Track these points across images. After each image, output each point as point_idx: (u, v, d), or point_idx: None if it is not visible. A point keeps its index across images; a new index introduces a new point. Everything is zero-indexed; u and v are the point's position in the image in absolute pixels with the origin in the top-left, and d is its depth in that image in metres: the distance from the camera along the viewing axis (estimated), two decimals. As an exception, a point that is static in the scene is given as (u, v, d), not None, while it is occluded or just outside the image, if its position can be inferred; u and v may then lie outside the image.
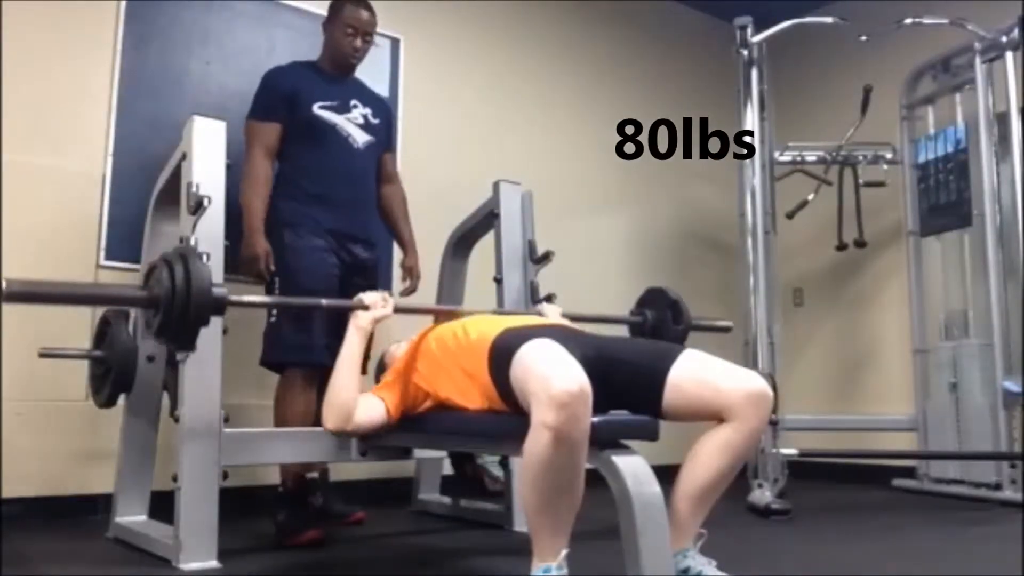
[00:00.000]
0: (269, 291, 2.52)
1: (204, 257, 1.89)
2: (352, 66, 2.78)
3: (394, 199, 2.91)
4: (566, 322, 2.31)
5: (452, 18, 3.91)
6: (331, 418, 1.89)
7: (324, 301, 2.14)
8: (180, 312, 1.76)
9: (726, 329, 2.97)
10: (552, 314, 2.39)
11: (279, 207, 2.57)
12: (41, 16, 2.87)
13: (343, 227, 2.63)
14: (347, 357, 1.94)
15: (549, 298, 2.76)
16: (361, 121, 2.72)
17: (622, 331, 2.81)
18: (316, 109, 2.62)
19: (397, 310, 2.09)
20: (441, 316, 2.71)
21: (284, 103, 2.61)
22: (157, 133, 2.97)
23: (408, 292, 2.87)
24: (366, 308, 2.02)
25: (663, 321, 2.65)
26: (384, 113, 2.86)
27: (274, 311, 2.50)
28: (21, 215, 2.76)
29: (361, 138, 2.70)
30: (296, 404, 2.47)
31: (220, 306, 1.86)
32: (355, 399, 1.90)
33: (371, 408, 1.92)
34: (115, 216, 2.94)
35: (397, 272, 3.01)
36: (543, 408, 1.43)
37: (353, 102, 2.72)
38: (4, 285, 1.59)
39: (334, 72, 2.74)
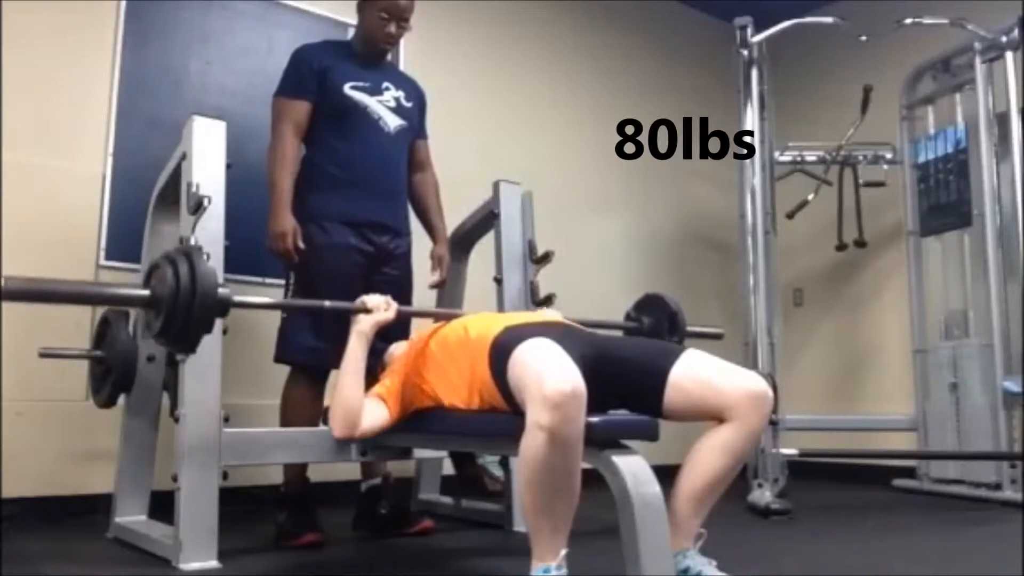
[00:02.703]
0: (286, 282, 2.50)
1: (206, 257, 1.85)
2: (384, 52, 2.68)
3: (426, 187, 2.78)
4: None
5: (452, 18, 3.91)
6: (338, 426, 1.88)
7: (327, 304, 2.08)
8: (183, 314, 1.69)
9: (717, 336, 2.95)
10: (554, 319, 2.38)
11: (305, 198, 2.48)
12: (41, 16, 2.87)
13: (371, 215, 2.53)
14: (350, 363, 1.91)
15: (549, 299, 2.76)
16: (393, 104, 2.61)
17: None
18: (347, 89, 2.53)
19: (400, 314, 2.07)
20: (443, 319, 2.71)
21: (315, 80, 2.51)
22: (157, 133, 2.97)
23: (437, 284, 2.76)
24: (368, 311, 1.99)
25: (659, 330, 2.61)
26: (417, 98, 2.75)
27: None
28: (21, 215, 2.76)
29: (393, 122, 2.60)
30: (302, 404, 2.46)
31: (224, 308, 1.82)
32: (361, 406, 1.88)
33: (375, 412, 1.92)
34: (115, 216, 2.94)
35: (421, 264, 2.85)
36: (537, 408, 1.43)
37: (385, 84, 2.62)
38: (3, 283, 1.57)
39: (366, 54, 2.64)
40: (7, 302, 1.64)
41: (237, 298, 1.88)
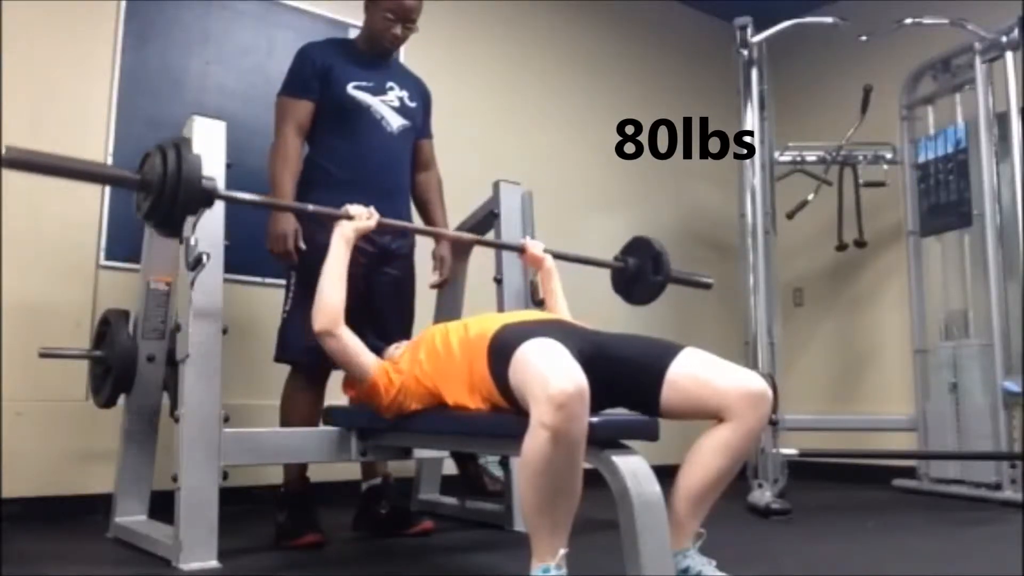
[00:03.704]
0: (287, 282, 2.50)
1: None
2: (389, 52, 2.66)
3: (429, 186, 2.77)
4: (555, 274, 2.40)
5: (452, 18, 3.91)
6: (319, 319, 1.97)
7: (311, 207, 2.19)
8: (170, 197, 1.84)
9: (707, 285, 2.96)
10: (535, 249, 2.44)
11: (307, 198, 2.44)
12: (41, 16, 2.87)
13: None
14: (333, 264, 2.03)
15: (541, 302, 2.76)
16: (396, 104, 2.60)
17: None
18: (350, 89, 2.52)
19: (380, 225, 2.16)
20: (444, 289, 2.75)
21: (318, 80, 2.51)
22: (157, 133, 2.94)
23: (439, 284, 2.75)
24: (351, 218, 2.09)
25: (644, 270, 2.68)
26: (422, 97, 2.73)
27: (286, 309, 2.48)
28: (21, 215, 2.76)
29: (395, 122, 2.59)
30: (302, 404, 2.46)
31: (208, 197, 1.94)
32: (341, 303, 1.99)
33: (362, 348, 2.00)
34: (115, 216, 2.94)
35: (423, 264, 2.84)
36: (541, 408, 1.43)
37: (389, 84, 2.61)
38: (4, 151, 1.65)
39: (371, 54, 2.62)
40: (6, 170, 1.73)
41: (223, 191, 2.01)
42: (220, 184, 2.06)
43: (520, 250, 2.51)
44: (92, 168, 2.26)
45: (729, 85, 3.86)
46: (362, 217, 2.11)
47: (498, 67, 4.12)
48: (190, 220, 2.11)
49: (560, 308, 2.35)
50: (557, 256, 2.48)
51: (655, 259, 2.67)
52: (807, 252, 4.66)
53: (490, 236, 2.88)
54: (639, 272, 2.69)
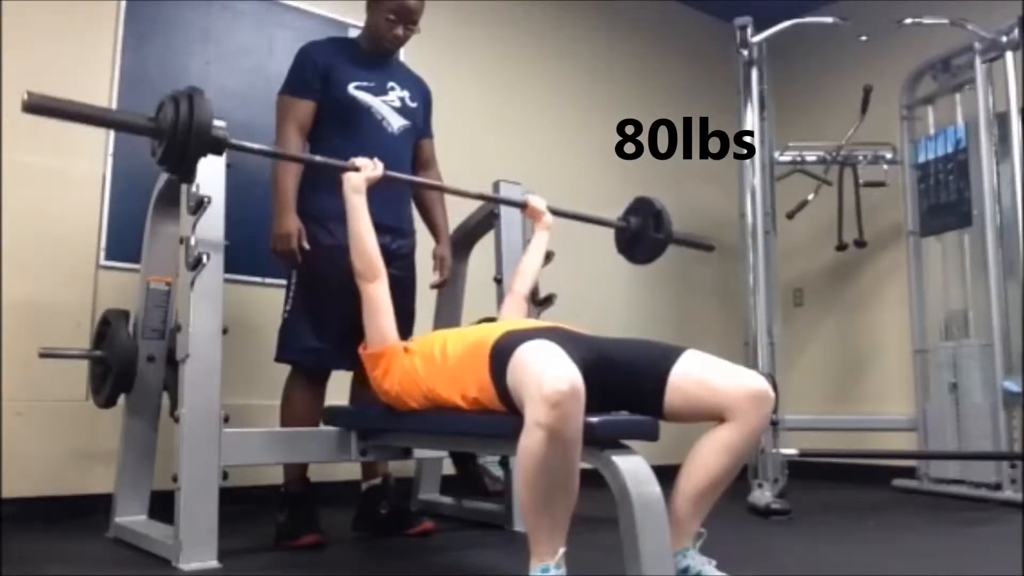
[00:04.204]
0: (287, 282, 2.50)
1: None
2: (390, 52, 2.66)
3: None
4: (546, 234, 2.42)
5: (451, 18, 3.91)
6: (360, 260, 2.10)
7: (318, 158, 2.27)
8: (181, 144, 1.90)
9: (709, 247, 2.97)
10: (539, 204, 2.47)
11: (308, 198, 2.47)
12: (41, 16, 2.87)
13: (373, 216, 2.47)
14: (357, 214, 2.13)
15: (549, 299, 2.76)
16: (397, 104, 2.60)
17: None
18: (351, 89, 2.52)
19: (386, 176, 2.23)
20: (444, 288, 2.77)
21: (319, 79, 2.51)
22: (157, 133, 2.96)
23: (439, 284, 2.75)
24: (357, 170, 2.17)
25: (645, 228, 2.69)
26: (423, 96, 2.73)
27: (287, 309, 2.48)
28: (21, 215, 2.76)
29: (396, 122, 2.59)
30: (302, 404, 2.46)
31: (219, 144, 2.01)
32: (376, 248, 2.11)
33: (391, 313, 2.08)
34: (115, 216, 2.94)
35: (424, 264, 2.83)
36: (536, 407, 1.43)
37: (390, 84, 2.61)
38: (26, 96, 1.76)
39: (372, 54, 2.62)
40: (26, 113, 1.82)
41: (233, 140, 2.07)
42: (220, 185, 2.07)
43: (523, 206, 2.53)
44: (107, 114, 2.33)
45: (729, 85, 3.86)
46: (368, 168, 2.19)
47: (498, 67, 4.12)
48: (189, 219, 2.11)
49: (529, 267, 2.37)
50: (557, 213, 2.50)
51: (656, 217, 2.68)
52: (807, 252, 4.66)
53: (490, 236, 2.88)
54: (641, 230, 2.70)
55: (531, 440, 1.44)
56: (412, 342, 2.09)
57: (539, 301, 2.74)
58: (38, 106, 1.80)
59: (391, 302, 2.08)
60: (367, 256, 2.10)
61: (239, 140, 2.10)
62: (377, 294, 2.08)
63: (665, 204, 2.68)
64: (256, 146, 2.16)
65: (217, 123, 1.97)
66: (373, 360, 2.04)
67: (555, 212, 2.49)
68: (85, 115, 1.96)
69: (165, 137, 1.92)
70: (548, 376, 1.44)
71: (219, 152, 2.06)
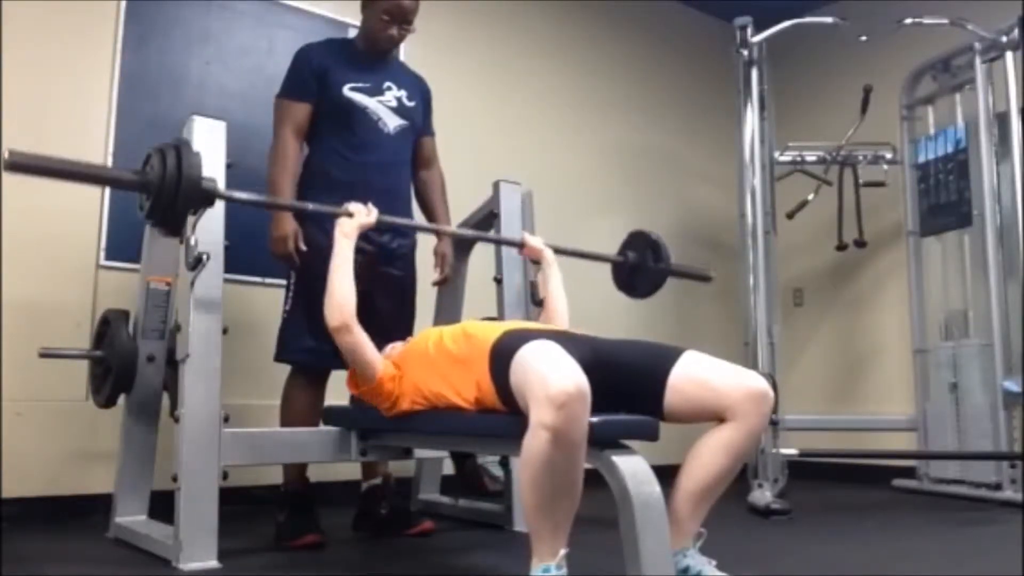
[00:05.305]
0: (287, 282, 2.50)
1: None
2: (386, 52, 2.66)
3: (431, 184, 2.77)
4: (554, 267, 2.40)
5: (451, 18, 3.91)
6: (335, 314, 1.97)
7: (311, 205, 2.22)
8: (169, 198, 1.86)
9: (707, 278, 2.96)
10: (536, 243, 2.44)
11: (305, 199, 2.44)
12: (41, 16, 2.87)
13: None
14: (341, 262, 2.04)
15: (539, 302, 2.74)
16: (394, 104, 2.60)
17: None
18: (347, 91, 2.52)
19: (380, 222, 2.18)
20: (444, 288, 2.73)
21: (316, 81, 2.51)
22: (157, 133, 2.94)
23: (440, 281, 2.74)
24: (351, 215, 2.12)
25: (644, 260, 2.68)
26: (421, 95, 2.72)
27: (286, 309, 2.48)
28: (21, 215, 2.76)
29: (393, 122, 2.58)
30: (302, 404, 2.46)
31: (209, 197, 1.96)
32: (353, 298, 2.00)
33: (375, 348, 2.01)
34: (115, 216, 2.94)
35: (425, 260, 2.82)
36: (541, 408, 1.43)
37: (387, 84, 2.60)
38: (7, 155, 1.66)
39: (368, 54, 2.62)
40: (7, 173, 1.74)
41: (223, 191, 2.02)
42: (220, 184, 2.07)
43: (520, 245, 2.50)
44: (94, 170, 2.27)
45: (729, 85, 3.86)
46: (361, 214, 2.13)
47: (498, 67, 4.12)
48: (190, 220, 2.11)
49: (559, 308, 2.34)
50: (556, 251, 2.48)
51: (654, 248, 2.68)
52: (807, 252, 4.66)
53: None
54: (639, 263, 2.69)
55: (536, 441, 1.43)
56: (395, 352, 2.09)
57: (538, 301, 2.74)
58: (21, 164, 1.72)
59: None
60: (345, 308, 1.97)
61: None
62: (355, 339, 1.97)
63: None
64: (246, 196, 2.10)
65: (206, 175, 1.93)
66: (374, 398, 2.01)
67: (552, 250, 2.47)
68: (69, 172, 1.88)
69: (153, 192, 1.87)
70: (553, 377, 1.44)
71: (209, 204, 2.00)
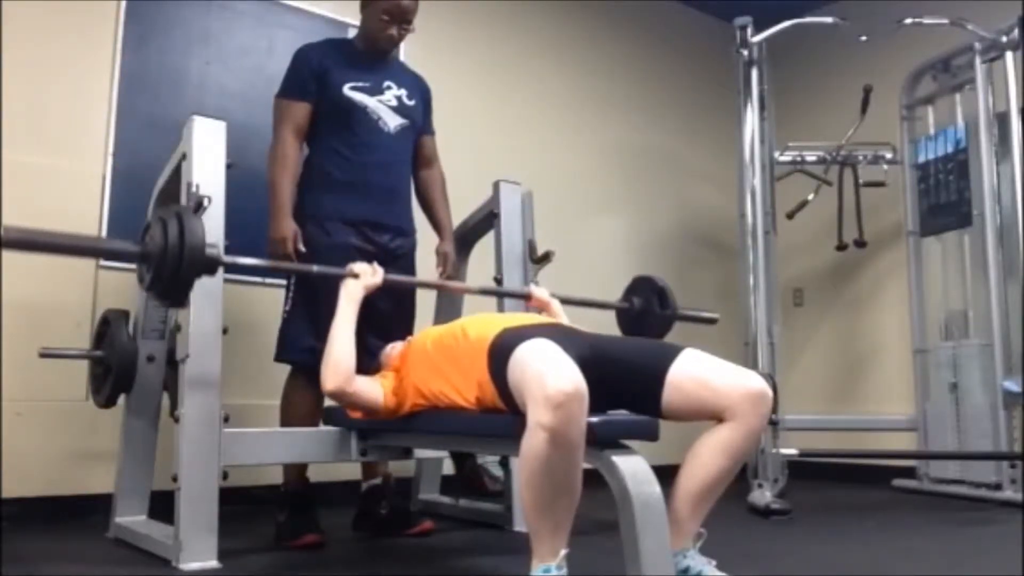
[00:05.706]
0: (287, 282, 2.51)
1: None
2: (386, 52, 2.66)
3: (432, 183, 2.77)
4: (562, 317, 2.33)
5: (451, 18, 3.91)
6: (331, 378, 1.93)
7: (315, 268, 2.17)
8: (172, 269, 1.78)
9: (711, 320, 2.96)
10: (542, 294, 2.42)
11: (305, 199, 2.49)
12: (41, 16, 2.87)
13: (371, 215, 2.53)
14: (342, 323, 2.00)
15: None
16: (394, 103, 2.59)
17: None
18: (346, 90, 2.51)
19: (386, 281, 2.15)
20: (445, 292, 2.73)
21: (315, 81, 2.51)
22: (157, 133, 2.97)
23: (442, 280, 2.73)
24: (356, 276, 2.09)
25: (649, 307, 2.67)
26: (421, 94, 2.72)
27: (286, 309, 2.48)
28: (21, 215, 2.75)
29: (393, 121, 2.58)
30: (302, 404, 2.46)
31: (212, 265, 1.90)
32: (352, 361, 1.95)
33: (370, 385, 1.98)
34: (115, 216, 2.94)
35: (425, 259, 2.82)
36: (539, 408, 1.43)
37: (387, 83, 2.60)
38: (3, 232, 1.60)
39: (367, 54, 2.62)
40: (7, 251, 1.68)
41: (226, 258, 1.96)
42: (220, 185, 2.06)
43: (526, 297, 2.49)
44: (92, 244, 2.24)
45: (729, 85, 3.86)
46: (367, 275, 2.10)
47: (498, 67, 4.12)
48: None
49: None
50: (563, 301, 2.46)
51: (659, 294, 2.67)
52: (807, 252, 4.66)
53: (490, 236, 2.88)
54: (645, 310, 2.68)
55: (534, 441, 1.43)
56: (395, 352, 2.08)
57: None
58: (17, 241, 1.63)
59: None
60: (343, 372, 1.93)
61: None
62: (354, 395, 1.94)
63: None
64: (251, 261, 2.06)
65: (209, 242, 1.85)
66: (374, 417, 2.02)
67: (560, 300, 2.46)
68: (68, 247, 1.83)
69: (154, 263, 1.79)
70: (551, 377, 1.44)
71: (212, 273, 1.94)
